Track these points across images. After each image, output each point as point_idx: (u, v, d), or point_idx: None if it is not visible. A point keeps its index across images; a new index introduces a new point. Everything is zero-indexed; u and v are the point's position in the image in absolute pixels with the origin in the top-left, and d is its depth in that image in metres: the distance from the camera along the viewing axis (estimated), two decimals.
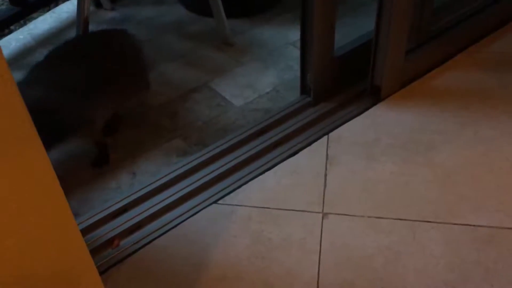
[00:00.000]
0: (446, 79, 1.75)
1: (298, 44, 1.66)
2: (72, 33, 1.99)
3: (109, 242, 1.31)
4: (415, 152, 1.50)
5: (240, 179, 1.45)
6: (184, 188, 1.43)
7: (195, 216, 1.37)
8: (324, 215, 1.35)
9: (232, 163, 1.49)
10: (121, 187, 1.50)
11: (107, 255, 1.28)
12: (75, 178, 1.53)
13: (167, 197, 1.41)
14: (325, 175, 1.45)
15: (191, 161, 1.50)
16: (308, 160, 1.50)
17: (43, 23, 2.22)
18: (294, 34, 2.02)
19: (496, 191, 1.37)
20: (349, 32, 1.79)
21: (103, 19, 2.26)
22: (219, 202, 1.40)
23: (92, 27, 1.81)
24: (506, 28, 1.93)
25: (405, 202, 1.36)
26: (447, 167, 1.44)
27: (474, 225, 1.29)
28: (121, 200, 1.41)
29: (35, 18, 2.26)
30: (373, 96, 1.68)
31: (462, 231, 1.28)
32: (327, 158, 1.50)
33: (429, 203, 1.35)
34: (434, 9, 1.71)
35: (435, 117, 1.60)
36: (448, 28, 1.79)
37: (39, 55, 1.81)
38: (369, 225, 1.31)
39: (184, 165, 1.49)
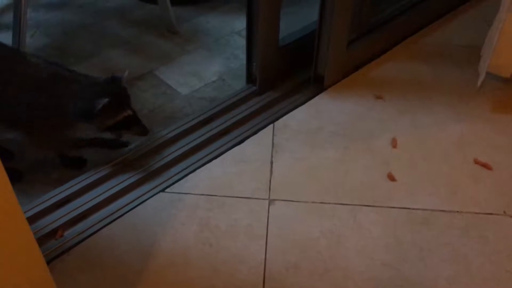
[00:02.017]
0: (385, 69, 1.83)
1: (244, 33, 1.68)
2: (8, 18, 1.90)
3: (53, 233, 1.29)
4: (356, 139, 1.56)
5: (187, 168, 1.46)
6: (130, 177, 1.42)
7: (142, 205, 1.36)
8: (271, 201, 1.38)
9: (179, 152, 1.49)
10: (63, 177, 1.47)
11: (51, 246, 1.25)
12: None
13: (113, 187, 1.40)
14: (271, 162, 1.49)
15: (137, 150, 1.48)
16: (254, 148, 1.53)
17: None
18: (239, 23, 2.03)
19: (430, 176, 1.46)
20: (293, 22, 1.82)
21: (40, 3, 2.17)
22: (167, 190, 1.40)
23: (29, 11, 1.74)
24: (441, 22, 2.04)
25: (346, 187, 1.42)
26: (385, 154, 1.52)
27: (409, 208, 1.37)
28: (64, 190, 1.38)
29: None
30: (317, 85, 1.73)
31: (399, 214, 1.36)
32: (273, 146, 1.54)
33: (368, 188, 1.42)
34: (373, 1, 1.78)
35: (375, 106, 1.68)
36: (386, 20, 1.87)
37: None
38: (313, 210, 1.36)
39: (130, 154, 1.47)
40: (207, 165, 1.47)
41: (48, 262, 1.22)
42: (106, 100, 1.30)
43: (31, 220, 1.29)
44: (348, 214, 1.35)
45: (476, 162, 1.49)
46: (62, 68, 1.39)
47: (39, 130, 1.39)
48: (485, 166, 1.48)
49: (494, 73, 1.68)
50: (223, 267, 1.23)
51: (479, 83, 1.68)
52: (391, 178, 1.44)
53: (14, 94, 1.34)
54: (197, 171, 1.46)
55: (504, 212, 1.36)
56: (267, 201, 1.38)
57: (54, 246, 1.26)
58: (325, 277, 1.21)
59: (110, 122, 1.38)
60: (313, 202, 1.38)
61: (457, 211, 1.36)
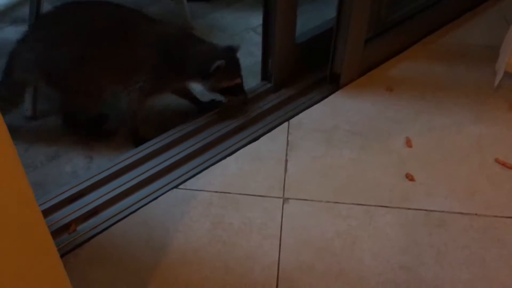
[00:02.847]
0: (402, 68, 1.80)
1: (259, 29, 1.67)
2: (25, 11, 1.89)
3: (66, 227, 1.28)
4: (372, 139, 1.54)
5: (201, 164, 1.44)
6: (144, 172, 1.41)
7: (155, 201, 1.35)
8: (285, 200, 1.37)
9: (193, 148, 1.48)
10: (77, 172, 1.46)
11: (63, 240, 1.25)
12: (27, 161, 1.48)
13: (126, 182, 1.39)
14: (286, 161, 1.47)
15: (151, 145, 1.47)
16: (269, 146, 1.51)
17: None
18: (255, 20, 2.02)
19: (447, 177, 1.43)
20: (310, 19, 1.80)
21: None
22: (180, 187, 1.39)
23: (46, 4, 1.73)
24: (459, 21, 2.00)
25: (362, 187, 1.40)
26: (402, 154, 1.49)
27: (426, 210, 1.35)
28: (77, 185, 1.37)
29: None
30: (333, 83, 1.70)
31: (416, 215, 1.33)
32: (287, 144, 1.52)
33: (384, 188, 1.40)
34: (391, 0, 1.76)
35: (392, 105, 1.65)
36: (404, 19, 1.84)
37: None
38: (327, 210, 1.34)
39: (144, 149, 1.46)
40: (221, 162, 1.46)
41: (61, 256, 1.21)
42: (222, 61, 1.45)
43: (45, 213, 1.28)
44: (364, 215, 1.33)
45: (498, 161, 1.46)
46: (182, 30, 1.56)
47: (153, 85, 1.48)
48: (506, 165, 1.45)
49: None
50: (236, 265, 1.22)
51: (496, 82, 1.64)
52: (410, 178, 1.42)
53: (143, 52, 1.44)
54: (211, 168, 1.44)
55: None
56: (281, 200, 1.36)
57: (67, 240, 1.25)
58: (340, 279, 1.19)
59: (223, 84, 1.52)
60: (328, 202, 1.36)
61: (475, 214, 1.33)
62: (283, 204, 1.35)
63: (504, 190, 1.40)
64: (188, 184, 1.40)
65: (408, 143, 1.52)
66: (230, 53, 1.52)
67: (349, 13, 1.54)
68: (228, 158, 1.47)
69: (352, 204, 1.36)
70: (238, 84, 1.54)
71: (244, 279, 1.19)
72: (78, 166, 1.47)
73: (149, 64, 1.44)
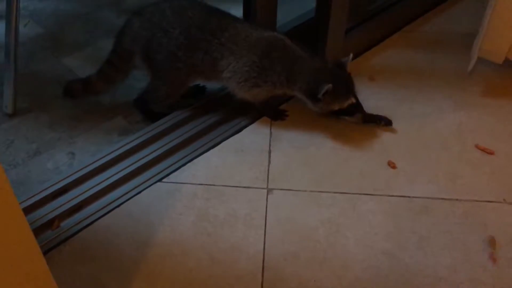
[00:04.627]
0: (384, 57, 1.81)
1: None
2: (1, 6, 1.86)
3: (49, 224, 1.27)
4: (354, 127, 1.55)
5: (184, 157, 1.44)
6: (127, 167, 1.41)
7: (139, 195, 1.35)
8: (269, 190, 1.37)
9: (176, 141, 1.47)
10: (59, 168, 1.45)
11: (47, 236, 1.24)
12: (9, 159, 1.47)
13: (109, 177, 1.38)
14: (269, 151, 1.47)
15: (133, 140, 1.47)
16: (252, 137, 1.51)
17: None
18: (235, 11, 1.99)
19: (429, 164, 1.45)
20: (291, 10, 1.80)
21: None
22: (164, 180, 1.39)
23: (22, 0, 1.71)
24: (439, 8, 2.02)
25: (345, 176, 1.41)
26: (385, 142, 1.51)
27: (409, 196, 1.36)
28: (60, 181, 1.36)
29: None
30: None
31: (399, 202, 1.35)
32: (270, 135, 1.52)
33: (367, 176, 1.41)
34: None
35: (374, 94, 1.66)
36: (384, 8, 1.85)
37: None
38: (311, 199, 1.35)
39: (126, 144, 1.46)
40: (205, 154, 1.46)
41: (44, 253, 1.20)
42: (330, 86, 1.38)
43: (27, 210, 1.27)
44: (347, 203, 1.34)
45: (478, 147, 1.48)
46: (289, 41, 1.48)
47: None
48: (486, 151, 1.47)
49: (488, 59, 1.66)
50: (222, 256, 1.22)
51: (469, 68, 1.66)
52: (392, 165, 1.43)
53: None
54: (195, 160, 1.44)
55: (504, 200, 1.36)
56: (265, 191, 1.37)
57: (51, 237, 1.24)
58: (324, 266, 1.21)
59: (334, 107, 1.46)
60: (311, 191, 1.37)
61: (457, 199, 1.36)
62: (267, 194, 1.36)
63: (485, 175, 1.42)
64: (172, 177, 1.40)
65: (388, 130, 1.54)
66: (340, 70, 1.46)
67: (329, 3, 1.54)
68: (211, 150, 1.47)
69: (335, 192, 1.37)
70: (351, 105, 1.47)
71: (229, 270, 1.20)
72: (60, 162, 1.46)
73: (249, 60, 1.43)
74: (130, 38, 1.49)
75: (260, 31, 1.47)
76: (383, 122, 1.52)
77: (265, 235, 1.27)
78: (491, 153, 1.47)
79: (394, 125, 1.55)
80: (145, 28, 1.47)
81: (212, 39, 1.43)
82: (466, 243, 1.26)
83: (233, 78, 1.45)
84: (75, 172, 1.38)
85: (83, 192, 1.34)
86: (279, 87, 1.47)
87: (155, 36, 1.45)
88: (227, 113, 1.57)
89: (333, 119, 1.55)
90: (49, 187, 1.34)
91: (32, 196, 1.31)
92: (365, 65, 1.77)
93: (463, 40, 1.86)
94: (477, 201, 1.35)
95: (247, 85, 1.45)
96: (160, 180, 1.39)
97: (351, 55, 1.49)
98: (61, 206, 1.31)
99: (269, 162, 1.44)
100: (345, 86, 1.46)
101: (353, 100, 1.47)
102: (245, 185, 1.38)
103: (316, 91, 1.41)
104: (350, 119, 1.50)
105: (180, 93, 1.54)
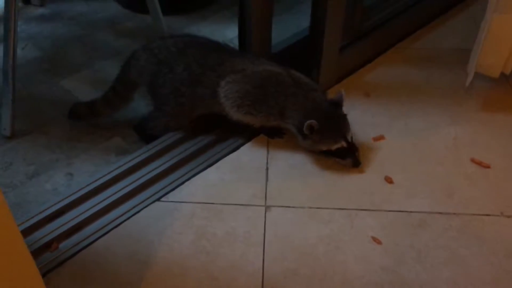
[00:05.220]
0: (378, 74, 1.84)
1: (235, 41, 1.68)
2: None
3: (47, 246, 1.27)
4: None
5: (182, 176, 1.45)
6: (125, 187, 1.41)
7: (137, 214, 1.35)
8: (267, 208, 1.38)
9: (174, 160, 1.48)
10: (58, 189, 1.45)
11: (45, 259, 1.24)
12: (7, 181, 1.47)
13: (107, 197, 1.38)
14: (267, 169, 1.48)
15: (131, 160, 1.48)
16: (250, 155, 1.52)
17: None
18: (231, 32, 2.04)
19: (425, 179, 1.46)
20: (286, 28, 1.83)
21: (31, 16, 2.17)
22: (162, 199, 1.39)
23: (20, 24, 1.73)
24: (432, 25, 2.05)
25: (343, 192, 1.42)
26: (381, 158, 1.52)
27: (406, 211, 1.37)
28: (58, 202, 1.36)
29: None
30: None
31: (396, 217, 1.35)
32: (268, 153, 1.53)
33: (365, 192, 1.42)
34: (365, 6, 1.79)
35: (369, 110, 1.68)
36: (378, 25, 1.88)
37: None
38: (310, 216, 1.36)
39: (124, 164, 1.46)
40: (203, 173, 1.47)
41: (43, 275, 1.20)
42: (313, 121, 1.38)
43: (26, 232, 1.27)
44: (345, 219, 1.35)
45: (474, 161, 1.49)
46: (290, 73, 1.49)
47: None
48: (481, 164, 1.48)
49: (484, 74, 1.69)
50: (221, 275, 1.22)
51: (467, 82, 1.68)
52: (389, 181, 1.44)
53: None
54: (193, 179, 1.45)
55: (501, 213, 1.36)
56: (263, 208, 1.37)
57: (49, 259, 1.24)
58: (324, 283, 1.20)
59: (322, 147, 1.44)
60: (309, 208, 1.38)
61: (454, 213, 1.36)
62: (265, 212, 1.36)
63: (481, 189, 1.43)
64: (170, 196, 1.40)
65: (379, 139, 1.56)
66: (335, 109, 1.43)
67: (323, 21, 1.57)
68: (209, 169, 1.48)
69: (334, 208, 1.37)
70: (341, 148, 1.43)
71: None
72: (58, 184, 1.47)
73: (243, 89, 1.45)
74: (136, 71, 1.53)
75: (256, 64, 1.48)
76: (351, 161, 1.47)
77: (264, 252, 1.27)
78: (487, 166, 1.48)
79: (390, 139, 1.56)
80: (151, 63, 1.50)
81: (210, 73, 1.46)
82: (465, 257, 1.26)
83: (227, 103, 1.46)
84: (73, 193, 1.38)
85: (81, 213, 1.34)
86: (272, 119, 1.48)
87: (161, 71, 1.48)
88: (224, 132, 1.58)
89: None
90: (47, 208, 1.34)
91: (30, 218, 1.31)
92: (360, 82, 1.80)
93: (456, 56, 1.89)
94: (474, 214, 1.36)
95: (241, 111, 1.46)
96: (158, 199, 1.39)
97: (344, 92, 1.46)
98: (59, 227, 1.31)
99: (267, 179, 1.45)
100: (336, 128, 1.43)
101: (343, 145, 1.43)
102: (243, 203, 1.38)
103: (302, 125, 1.40)
104: (339, 162, 1.47)
105: (183, 125, 1.56)
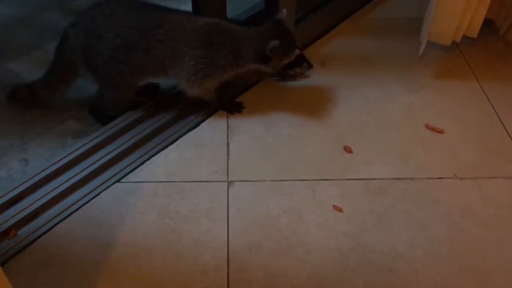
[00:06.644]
0: (334, 45, 1.85)
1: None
2: None
3: (5, 233, 1.23)
4: (310, 116, 1.57)
5: (142, 156, 1.43)
6: (83, 170, 1.38)
7: (97, 197, 1.33)
8: (230, 183, 1.38)
9: (133, 140, 1.46)
10: (13, 176, 1.41)
11: (4, 246, 1.20)
12: None
13: (65, 181, 1.35)
14: (228, 144, 1.48)
15: (88, 142, 1.44)
16: (210, 131, 1.52)
17: None
18: (185, 7, 1.99)
19: (383, 146, 1.49)
20: (241, 3, 1.81)
21: None
22: (122, 180, 1.37)
23: None
24: None
25: (303, 163, 1.44)
26: (340, 128, 1.54)
27: (366, 179, 1.40)
28: (14, 189, 1.32)
29: None
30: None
31: (356, 185, 1.38)
32: (228, 128, 1.53)
33: (325, 162, 1.44)
34: None
35: (327, 81, 1.69)
36: None
37: None
38: (272, 188, 1.37)
39: (81, 147, 1.43)
40: (163, 151, 1.45)
41: (2, 264, 1.17)
42: (276, 41, 1.44)
43: None
44: (307, 190, 1.37)
45: (428, 127, 1.54)
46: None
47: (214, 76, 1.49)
48: (435, 130, 1.53)
49: (436, 42, 1.72)
50: (186, 252, 1.22)
51: (420, 51, 1.72)
52: (348, 150, 1.47)
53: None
54: (153, 158, 1.43)
55: (455, 175, 1.41)
56: (226, 183, 1.38)
57: (8, 247, 1.21)
58: (289, 254, 1.22)
59: (284, 62, 1.53)
60: (271, 181, 1.39)
61: (411, 178, 1.40)
62: (228, 187, 1.37)
63: (435, 153, 1.47)
64: (130, 177, 1.38)
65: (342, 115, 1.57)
66: (279, 26, 1.50)
67: None
68: (169, 147, 1.46)
69: (295, 180, 1.39)
70: (298, 55, 1.54)
71: (194, 265, 1.20)
72: (13, 170, 1.42)
73: (192, 55, 1.43)
74: (69, 50, 1.48)
75: (193, 20, 1.46)
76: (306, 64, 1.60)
77: (228, 227, 1.28)
78: (440, 131, 1.53)
79: (347, 110, 1.59)
80: (79, 37, 1.45)
81: (149, 36, 1.42)
82: (422, 219, 1.30)
83: (181, 76, 1.45)
84: (29, 179, 1.34)
85: (39, 199, 1.31)
86: (229, 69, 1.49)
87: (90, 43, 1.43)
88: (183, 110, 1.56)
89: (290, 106, 1.57)
90: (3, 195, 1.30)
91: None
92: (317, 53, 1.80)
93: (409, 25, 1.92)
94: (429, 178, 1.40)
95: (198, 79, 1.45)
96: (118, 180, 1.37)
97: (285, 10, 1.52)
98: (16, 214, 1.27)
99: (228, 154, 1.45)
100: (289, 39, 1.52)
101: (299, 51, 1.54)
102: (206, 179, 1.38)
103: (263, 51, 1.45)
104: (300, 71, 1.59)
105: (130, 95, 1.52)
